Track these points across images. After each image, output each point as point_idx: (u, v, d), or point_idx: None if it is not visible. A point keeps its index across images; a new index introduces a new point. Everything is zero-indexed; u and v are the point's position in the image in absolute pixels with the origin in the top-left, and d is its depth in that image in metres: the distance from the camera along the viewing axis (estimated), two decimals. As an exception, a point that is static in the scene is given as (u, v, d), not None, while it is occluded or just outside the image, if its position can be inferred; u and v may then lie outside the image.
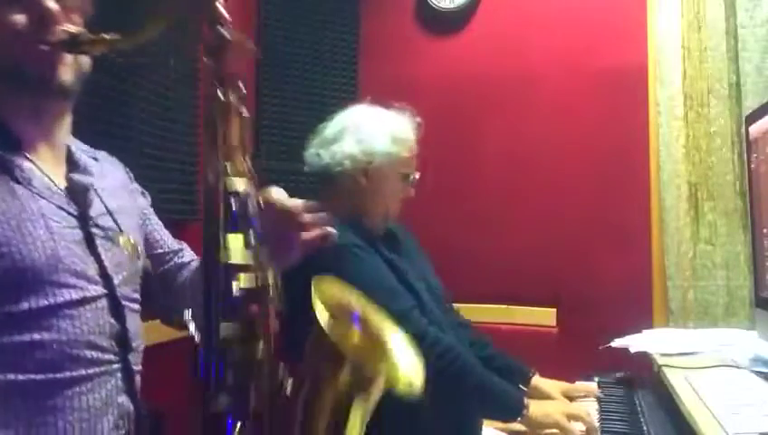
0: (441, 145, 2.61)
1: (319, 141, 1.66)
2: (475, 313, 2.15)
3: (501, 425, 1.61)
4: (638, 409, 1.48)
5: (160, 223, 1.13)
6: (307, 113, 2.68)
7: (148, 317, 1.03)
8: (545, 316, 2.52)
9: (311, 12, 2.70)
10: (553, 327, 2.52)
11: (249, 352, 0.76)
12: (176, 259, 1.12)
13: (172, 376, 1.09)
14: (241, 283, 0.76)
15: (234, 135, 0.81)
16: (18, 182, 0.84)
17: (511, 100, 2.63)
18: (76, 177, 0.93)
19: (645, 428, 1.35)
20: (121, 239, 0.93)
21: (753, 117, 1.71)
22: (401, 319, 1.29)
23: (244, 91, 0.84)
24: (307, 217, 0.91)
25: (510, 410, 1.44)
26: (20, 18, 0.85)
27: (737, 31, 2.28)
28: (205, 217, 0.79)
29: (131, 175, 1.12)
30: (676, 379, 1.40)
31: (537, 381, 1.70)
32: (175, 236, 1.17)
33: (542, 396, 1.66)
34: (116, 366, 0.89)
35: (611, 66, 2.51)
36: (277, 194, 0.89)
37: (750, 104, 2.19)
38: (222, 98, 0.81)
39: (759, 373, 1.39)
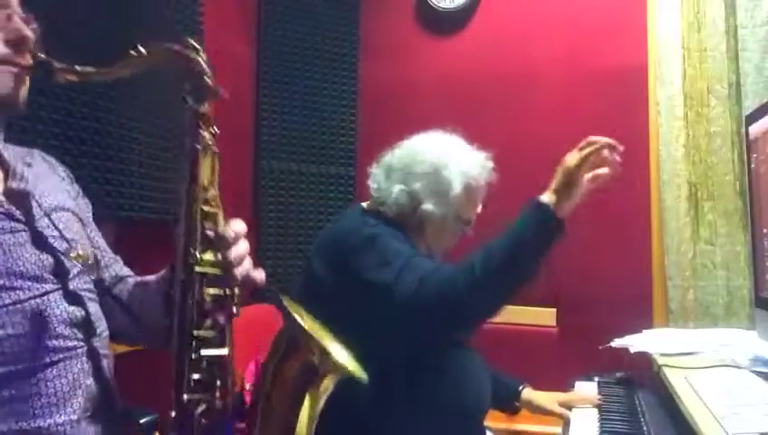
0: (441, 145, 2.62)
1: (382, 164, 1.59)
2: (475, 313, 2.15)
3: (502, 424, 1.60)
4: (638, 409, 1.48)
5: (99, 233, 1.13)
6: (307, 113, 2.69)
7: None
8: (545, 316, 2.52)
9: (311, 12, 2.70)
10: (553, 327, 2.52)
11: (219, 359, 0.90)
12: (110, 271, 1.12)
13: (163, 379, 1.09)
14: (210, 291, 0.90)
15: (208, 169, 0.93)
16: None
17: (511, 99, 2.63)
18: (13, 184, 0.94)
19: (645, 428, 1.35)
20: (72, 254, 0.95)
21: (753, 117, 1.71)
22: (384, 289, 1.25)
23: (217, 131, 0.94)
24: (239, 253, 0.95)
25: (541, 221, 1.31)
26: None
27: (737, 31, 2.29)
28: (184, 235, 0.91)
29: (71, 176, 1.12)
30: (676, 379, 1.40)
31: (531, 394, 1.68)
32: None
33: (538, 410, 1.66)
34: (80, 350, 0.91)
35: (611, 66, 2.51)
36: (236, 226, 0.95)
37: (750, 104, 2.20)
38: (201, 137, 0.92)
39: (759, 373, 1.39)
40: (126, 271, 1.15)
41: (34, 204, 0.95)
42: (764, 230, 1.63)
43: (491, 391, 1.58)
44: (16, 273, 0.86)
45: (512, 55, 2.64)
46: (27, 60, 0.89)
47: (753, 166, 1.72)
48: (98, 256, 1.09)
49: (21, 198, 0.93)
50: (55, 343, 0.88)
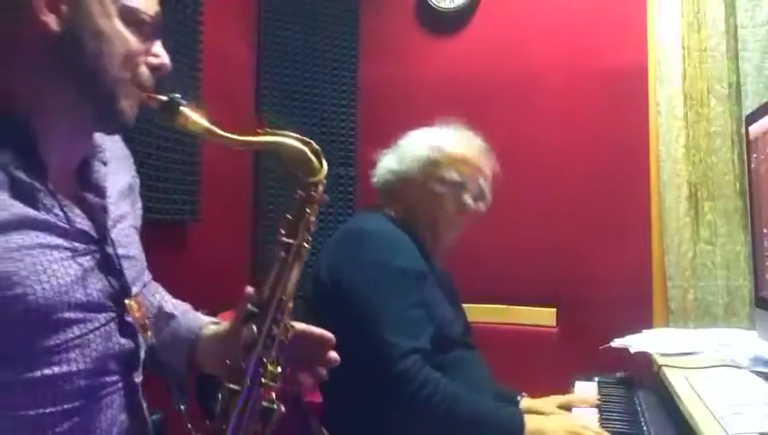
0: (441, 145, 2.62)
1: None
2: (475, 313, 2.15)
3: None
4: (638, 409, 1.48)
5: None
6: (307, 113, 2.69)
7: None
8: (545, 316, 2.52)
9: (311, 12, 2.70)
10: (553, 327, 2.52)
11: None
12: (157, 296, 1.09)
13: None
14: (265, 402, 0.88)
15: (294, 276, 0.94)
16: (38, 209, 0.80)
17: (511, 100, 2.63)
18: (90, 198, 0.90)
19: (645, 428, 1.35)
20: (130, 303, 0.90)
21: (753, 117, 1.71)
22: (396, 356, 1.33)
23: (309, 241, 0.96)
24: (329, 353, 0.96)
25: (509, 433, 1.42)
26: (133, 49, 0.85)
27: (737, 31, 2.28)
28: (260, 348, 0.89)
29: (137, 180, 1.08)
30: (676, 379, 1.40)
31: (530, 403, 1.69)
32: (176, 238, 1.16)
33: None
34: (120, 385, 0.87)
35: (611, 66, 2.51)
36: (304, 328, 0.95)
37: (750, 104, 2.19)
38: (297, 245, 0.94)
39: (759, 373, 1.39)
40: (148, 273, 1.10)
41: (107, 218, 0.91)
42: (764, 230, 1.63)
43: (493, 394, 1.59)
44: (83, 304, 0.82)
45: (512, 55, 2.64)
46: (161, 96, 0.87)
47: (753, 166, 1.72)
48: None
49: (96, 213, 0.89)
50: (101, 380, 0.84)
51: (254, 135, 0.92)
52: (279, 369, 0.89)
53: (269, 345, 0.89)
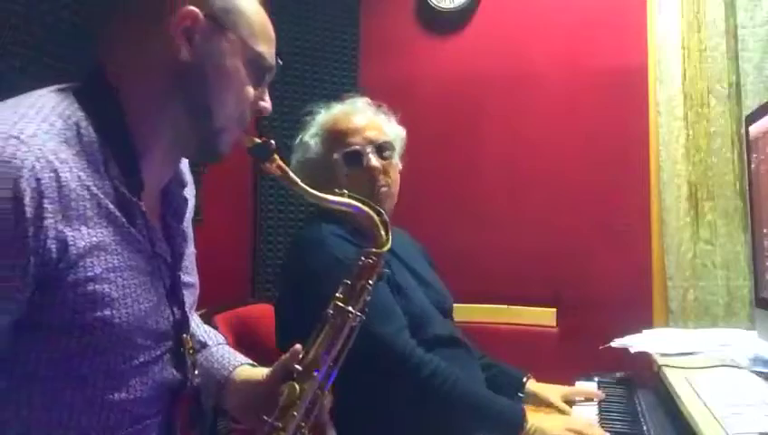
0: (441, 145, 2.61)
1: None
2: (476, 313, 2.15)
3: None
4: (638, 409, 1.48)
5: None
6: (307, 113, 2.69)
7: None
8: (545, 316, 2.52)
9: (311, 12, 2.70)
10: (553, 327, 2.52)
11: None
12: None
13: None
14: None
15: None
16: (134, 226, 0.81)
17: (511, 100, 2.63)
18: (174, 224, 0.91)
19: (645, 428, 1.35)
20: (184, 336, 0.90)
21: (753, 117, 1.71)
22: (385, 342, 1.32)
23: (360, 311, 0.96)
24: None
25: (508, 427, 1.39)
26: (249, 92, 0.89)
27: (737, 31, 2.28)
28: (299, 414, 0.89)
29: (194, 192, 1.07)
30: (676, 379, 1.40)
31: (535, 386, 1.68)
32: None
33: (541, 402, 1.65)
34: (160, 417, 0.87)
35: (611, 66, 2.51)
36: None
37: (750, 104, 2.19)
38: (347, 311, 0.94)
39: (759, 373, 1.39)
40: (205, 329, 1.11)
41: (184, 246, 0.92)
42: (764, 230, 1.63)
43: (495, 385, 1.58)
44: (153, 331, 0.82)
45: (512, 55, 2.64)
46: (256, 138, 0.91)
47: (753, 166, 1.72)
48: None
49: (173, 239, 0.90)
50: (151, 409, 0.84)
51: (331, 194, 0.95)
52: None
53: (309, 410, 0.88)
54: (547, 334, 2.50)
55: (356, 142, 1.58)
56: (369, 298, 0.95)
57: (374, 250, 0.97)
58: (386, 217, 0.98)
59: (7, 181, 0.68)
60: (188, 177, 1.00)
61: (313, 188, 0.94)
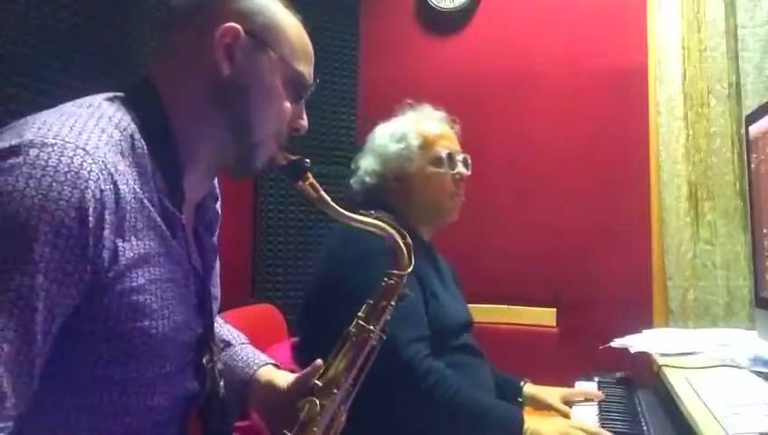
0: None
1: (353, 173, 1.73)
2: (476, 313, 2.14)
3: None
4: (638, 409, 1.48)
5: None
6: (307, 113, 2.68)
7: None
8: (545, 316, 2.52)
9: (311, 12, 2.69)
10: (553, 327, 2.52)
11: None
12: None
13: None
14: None
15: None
16: (175, 239, 0.82)
17: (511, 100, 2.63)
18: (206, 239, 0.93)
19: (645, 428, 1.35)
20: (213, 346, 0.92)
21: (753, 117, 1.71)
22: (396, 346, 1.31)
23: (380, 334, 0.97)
24: None
25: (508, 432, 1.39)
26: (287, 108, 0.90)
27: (737, 31, 2.28)
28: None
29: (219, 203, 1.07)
30: (676, 379, 1.40)
31: (534, 389, 1.68)
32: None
33: (541, 405, 1.65)
34: (176, 426, 0.88)
35: (611, 66, 2.51)
36: None
37: (750, 104, 2.19)
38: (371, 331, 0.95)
39: (759, 373, 1.39)
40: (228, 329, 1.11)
41: (212, 255, 0.93)
42: (764, 230, 1.62)
43: (494, 390, 1.59)
44: (184, 342, 0.83)
45: (512, 55, 2.64)
46: (291, 155, 0.92)
47: (753, 166, 1.72)
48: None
49: (206, 252, 0.91)
50: (168, 417, 0.85)
51: (359, 214, 0.97)
52: None
53: (329, 428, 0.89)
54: (547, 334, 2.50)
55: (452, 148, 1.65)
56: (389, 319, 0.96)
57: (396, 272, 0.98)
58: (409, 240, 0.99)
59: (76, 192, 0.70)
60: (218, 190, 1.02)
61: (352, 206, 0.96)
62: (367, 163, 1.67)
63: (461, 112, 2.73)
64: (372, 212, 0.99)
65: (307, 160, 0.91)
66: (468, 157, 1.69)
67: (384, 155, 1.64)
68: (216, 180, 1.01)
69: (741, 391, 1.29)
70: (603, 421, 1.45)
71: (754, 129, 1.68)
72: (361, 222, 0.97)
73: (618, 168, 2.48)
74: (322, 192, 0.91)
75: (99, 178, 0.72)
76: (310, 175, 0.90)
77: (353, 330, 0.93)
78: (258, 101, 0.87)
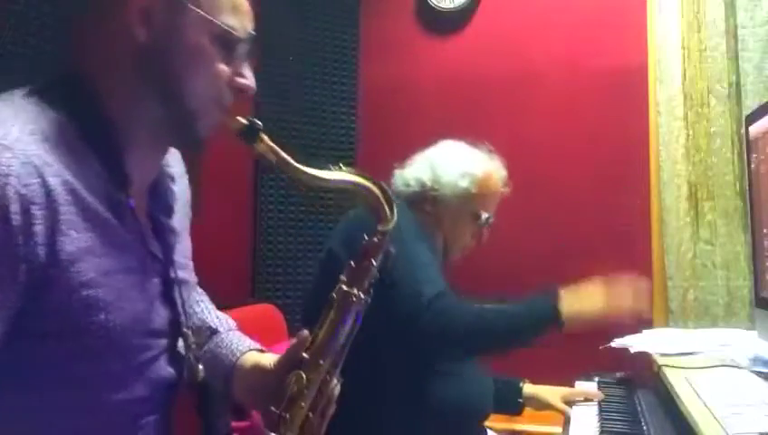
0: (441, 145, 2.61)
1: (403, 164, 1.71)
2: (475, 313, 2.15)
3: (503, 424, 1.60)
4: (638, 409, 1.48)
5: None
6: (307, 113, 2.69)
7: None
8: (545, 316, 2.51)
9: (311, 12, 2.70)
10: (553, 327, 2.51)
11: None
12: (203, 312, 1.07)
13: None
14: None
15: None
16: (124, 225, 0.79)
17: (511, 100, 2.63)
18: (162, 219, 0.88)
19: (645, 428, 1.35)
20: (185, 331, 0.89)
21: (753, 117, 1.71)
22: (424, 305, 1.35)
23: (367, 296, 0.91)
24: None
25: (546, 321, 1.44)
26: (225, 71, 0.83)
27: (737, 31, 2.28)
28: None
29: (186, 185, 1.03)
30: (676, 379, 1.40)
31: (533, 389, 1.69)
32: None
33: (541, 404, 1.66)
34: (157, 415, 0.86)
35: (611, 66, 2.51)
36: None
37: (750, 104, 2.19)
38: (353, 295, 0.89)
39: (759, 373, 1.39)
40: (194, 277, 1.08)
41: (174, 241, 0.89)
42: (764, 230, 1.63)
43: (494, 394, 1.59)
44: (150, 331, 0.81)
45: (512, 55, 2.64)
46: (241, 118, 0.84)
47: (753, 166, 1.72)
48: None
49: (164, 235, 0.87)
50: (149, 406, 0.83)
51: (327, 171, 0.90)
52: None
53: (317, 400, 0.86)
54: (547, 334, 2.50)
55: (492, 212, 1.68)
56: (373, 280, 0.90)
57: (380, 228, 0.91)
58: (390, 192, 0.93)
59: None
60: (177, 169, 0.97)
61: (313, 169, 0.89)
62: (421, 171, 1.65)
63: (461, 112, 2.74)
64: (341, 165, 0.92)
65: (257, 121, 0.83)
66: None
67: (441, 177, 1.62)
68: (179, 161, 0.97)
69: (741, 391, 1.29)
70: (603, 421, 1.45)
71: (754, 129, 1.68)
72: (334, 180, 0.90)
73: (618, 168, 2.48)
74: (282, 153, 0.85)
75: (21, 173, 0.68)
76: (265, 137, 0.83)
77: (335, 296, 0.88)
78: (184, 65, 0.80)
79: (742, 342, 1.65)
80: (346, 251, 1.49)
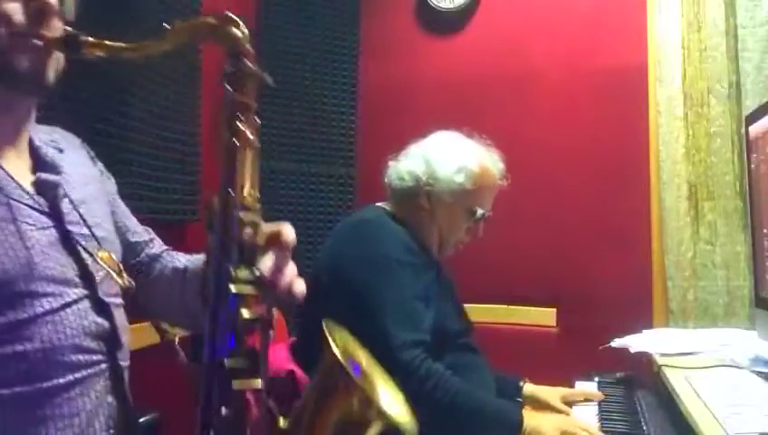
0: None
1: (398, 155, 1.68)
2: (475, 313, 2.14)
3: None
4: (638, 409, 1.48)
5: (127, 209, 1.07)
6: (307, 113, 2.69)
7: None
8: (545, 316, 2.52)
9: (311, 12, 2.70)
10: (553, 327, 2.52)
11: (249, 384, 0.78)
12: (147, 250, 1.08)
13: (167, 379, 1.08)
14: (245, 314, 0.77)
15: (247, 167, 0.82)
16: None
17: (511, 100, 2.63)
18: (44, 176, 0.88)
19: (645, 428, 1.35)
20: (101, 254, 0.89)
21: (753, 117, 1.71)
22: (397, 348, 1.34)
23: (259, 123, 0.83)
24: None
25: (507, 430, 1.41)
26: (14, 7, 0.80)
27: (737, 31, 2.28)
28: (214, 247, 0.80)
29: (93, 154, 1.05)
30: (676, 379, 1.40)
31: (533, 389, 1.69)
32: (176, 237, 1.15)
33: (541, 405, 1.66)
34: (104, 366, 0.86)
35: (611, 66, 2.51)
36: (286, 231, 0.86)
37: (750, 104, 2.19)
38: (238, 129, 0.81)
39: (759, 373, 1.39)
40: (160, 246, 1.09)
41: (65, 196, 0.89)
42: (764, 230, 1.63)
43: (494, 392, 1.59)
44: (47, 277, 0.81)
45: (512, 55, 2.64)
46: (50, 32, 0.81)
47: (753, 166, 1.72)
48: (129, 237, 1.04)
49: (51, 190, 0.88)
50: (81, 357, 0.82)
51: (159, 37, 0.83)
52: (254, 272, 0.79)
53: (228, 247, 0.78)
54: (547, 334, 2.51)
55: (488, 208, 1.66)
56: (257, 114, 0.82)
57: (232, 50, 0.82)
58: (230, 14, 0.83)
59: None
60: (65, 144, 0.98)
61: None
62: (416, 165, 1.62)
63: (460, 112, 2.74)
64: (165, 26, 0.83)
65: (71, 29, 0.81)
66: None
67: (437, 172, 1.60)
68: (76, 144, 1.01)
69: (741, 391, 1.29)
70: (603, 421, 1.45)
71: (754, 129, 1.68)
72: (174, 38, 0.83)
73: (618, 167, 2.48)
74: (107, 42, 0.81)
75: None
76: (89, 39, 0.81)
77: (222, 138, 0.82)
78: None
79: (742, 342, 1.65)
80: (330, 271, 1.52)
